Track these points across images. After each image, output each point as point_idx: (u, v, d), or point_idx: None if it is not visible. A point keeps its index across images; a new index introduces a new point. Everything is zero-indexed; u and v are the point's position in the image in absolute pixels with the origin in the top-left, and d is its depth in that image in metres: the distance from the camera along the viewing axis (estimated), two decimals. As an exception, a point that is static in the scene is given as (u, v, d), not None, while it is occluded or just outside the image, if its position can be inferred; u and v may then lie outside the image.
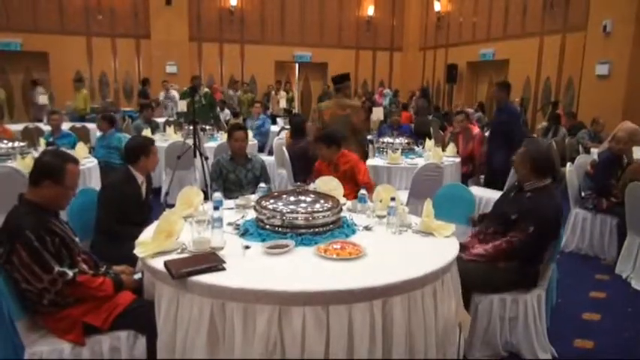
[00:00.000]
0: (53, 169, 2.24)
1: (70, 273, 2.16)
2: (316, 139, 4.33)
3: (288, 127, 7.62)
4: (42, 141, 5.66)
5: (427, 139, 6.26)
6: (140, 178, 3.28)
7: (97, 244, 3.05)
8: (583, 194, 4.77)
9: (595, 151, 6.21)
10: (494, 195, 5.13)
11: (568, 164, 5.02)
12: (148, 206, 3.41)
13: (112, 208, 3.08)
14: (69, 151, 3.62)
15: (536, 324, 2.79)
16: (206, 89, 8.34)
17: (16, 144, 5.12)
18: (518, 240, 2.70)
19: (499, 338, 2.78)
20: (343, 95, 5.01)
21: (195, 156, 5.26)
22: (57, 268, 2.12)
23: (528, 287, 2.82)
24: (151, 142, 3.40)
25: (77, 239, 2.41)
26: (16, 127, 8.07)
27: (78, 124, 8.25)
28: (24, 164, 4.30)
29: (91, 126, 8.28)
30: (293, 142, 5.82)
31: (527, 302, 2.77)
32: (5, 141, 5.18)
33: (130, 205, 3.15)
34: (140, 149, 3.26)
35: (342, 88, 5.02)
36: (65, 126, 6.96)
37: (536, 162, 2.78)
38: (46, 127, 7.19)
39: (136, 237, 2.88)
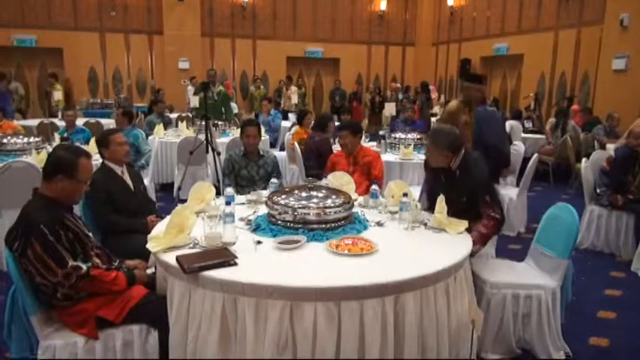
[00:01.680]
0: (66, 164, 2.26)
1: (84, 267, 2.18)
2: (341, 127, 4.33)
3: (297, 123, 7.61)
4: (57, 136, 5.72)
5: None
6: (118, 169, 3.32)
7: (103, 241, 3.09)
8: (598, 191, 4.70)
9: (611, 147, 6.12)
10: (507, 190, 5.14)
11: (583, 160, 4.95)
12: (144, 196, 3.46)
13: (99, 202, 3.10)
14: (83, 147, 3.66)
15: (550, 322, 2.75)
16: (220, 87, 8.27)
17: (32, 139, 5.17)
18: (494, 211, 2.82)
19: (512, 335, 2.75)
20: (463, 99, 4.26)
21: (207, 151, 5.28)
22: (71, 262, 2.14)
23: None
24: (110, 132, 3.45)
25: (90, 234, 2.43)
26: (31, 123, 8.17)
27: (92, 120, 8.32)
28: (39, 159, 4.34)
29: (105, 121, 8.36)
30: (311, 135, 5.78)
31: (541, 298, 2.73)
32: (21, 136, 5.24)
33: (117, 196, 3.19)
34: (99, 143, 3.36)
35: (465, 89, 4.24)
36: (79, 121, 7.02)
37: (451, 143, 2.91)
38: (60, 123, 7.26)
39: (138, 229, 2.91)
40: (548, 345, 2.75)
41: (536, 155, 5.12)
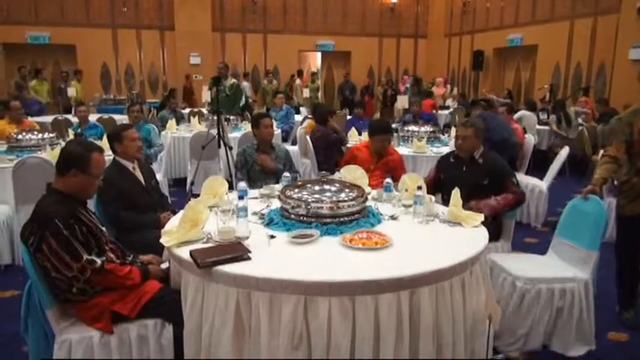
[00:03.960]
0: (78, 158, 2.26)
1: (99, 261, 2.19)
2: (379, 131, 4.08)
3: (310, 116, 7.59)
4: (70, 132, 5.76)
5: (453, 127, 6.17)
6: (129, 165, 3.33)
7: (117, 236, 3.10)
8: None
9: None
10: (535, 181, 5.12)
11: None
12: (156, 191, 3.47)
13: (109, 199, 3.09)
14: (97, 142, 3.68)
15: (582, 315, 2.72)
16: (233, 80, 8.20)
17: (46, 135, 5.21)
18: (520, 192, 3.25)
19: (544, 330, 2.72)
20: None
21: (219, 146, 5.28)
22: (85, 256, 2.15)
23: (497, 238, 3.31)
24: (123, 128, 3.45)
25: (104, 229, 2.43)
26: (46, 119, 8.24)
27: (105, 116, 8.37)
28: (53, 155, 4.37)
29: (118, 117, 8.40)
30: (315, 129, 5.80)
31: (574, 291, 2.70)
32: (36, 132, 5.29)
33: (129, 192, 3.20)
34: (112, 137, 3.35)
35: None
36: (93, 117, 7.07)
37: (482, 133, 3.40)
38: (74, 119, 7.31)
39: (148, 225, 2.91)
40: (571, 339, 2.72)
41: (567, 148, 5.10)
